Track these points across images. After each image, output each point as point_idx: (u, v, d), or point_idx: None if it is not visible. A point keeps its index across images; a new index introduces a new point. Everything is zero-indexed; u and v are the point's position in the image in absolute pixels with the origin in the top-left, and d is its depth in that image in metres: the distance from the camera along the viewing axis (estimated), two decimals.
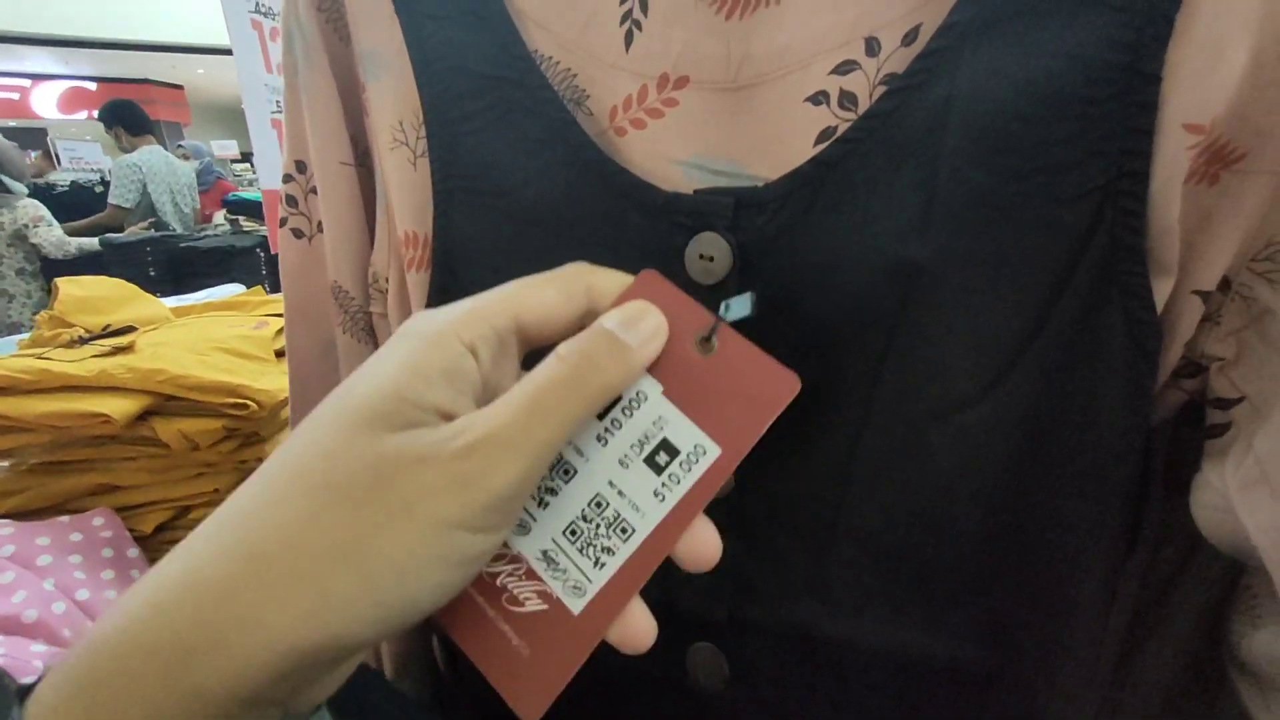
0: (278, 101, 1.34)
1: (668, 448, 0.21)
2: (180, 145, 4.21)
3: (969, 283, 0.24)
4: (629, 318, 0.22)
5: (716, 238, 0.25)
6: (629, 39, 0.27)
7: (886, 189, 0.24)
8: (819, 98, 0.25)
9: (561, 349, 0.20)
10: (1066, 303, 0.23)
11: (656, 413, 0.22)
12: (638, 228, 0.27)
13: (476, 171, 0.30)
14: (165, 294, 1.27)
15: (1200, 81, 0.21)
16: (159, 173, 3.10)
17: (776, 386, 0.21)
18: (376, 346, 0.38)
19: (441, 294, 0.31)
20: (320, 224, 0.38)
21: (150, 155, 3.10)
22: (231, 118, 9.32)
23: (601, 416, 0.22)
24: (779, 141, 0.26)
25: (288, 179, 0.38)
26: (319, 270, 0.39)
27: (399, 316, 0.35)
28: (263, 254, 2.59)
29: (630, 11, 0.27)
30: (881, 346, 0.25)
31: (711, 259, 0.25)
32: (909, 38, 0.24)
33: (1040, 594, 0.26)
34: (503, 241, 0.29)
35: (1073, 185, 0.22)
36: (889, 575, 0.27)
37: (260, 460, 0.69)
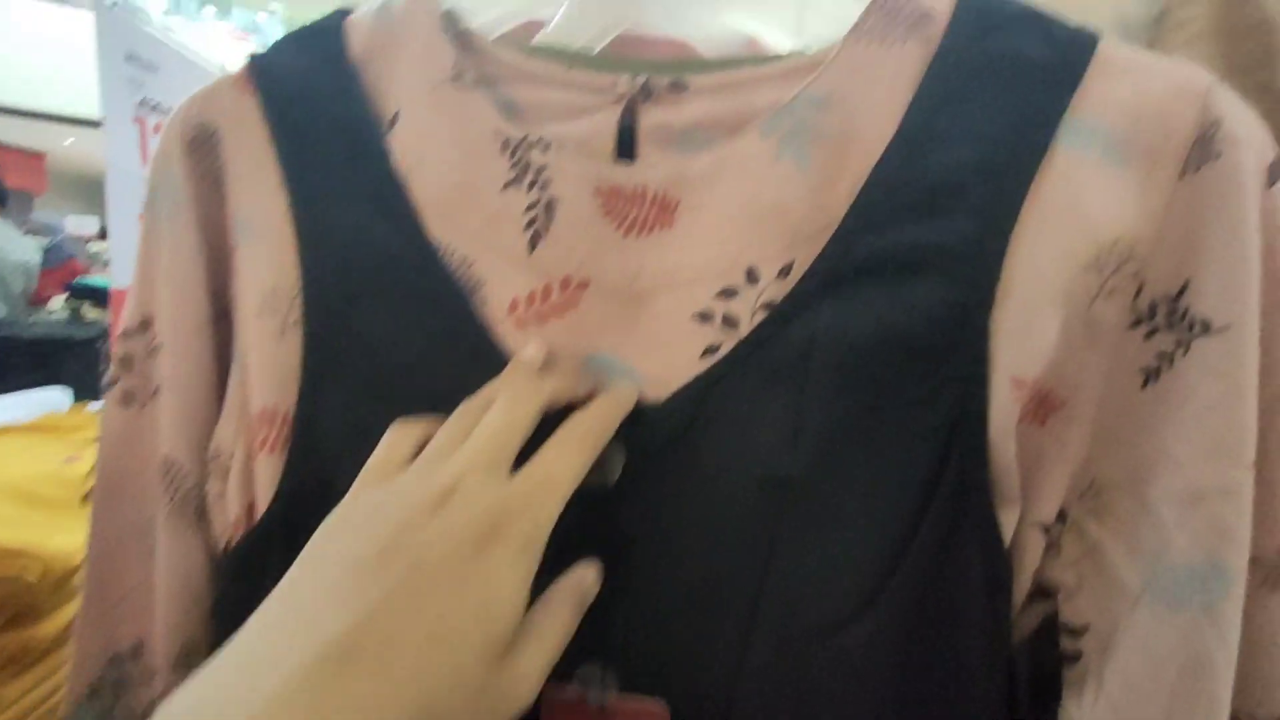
0: None
1: None
2: (28, 219, 3.83)
3: (838, 503, 0.25)
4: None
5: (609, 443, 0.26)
6: (534, 242, 0.28)
7: (763, 409, 0.26)
8: (705, 316, 0.27)
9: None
10: (926, 529, 0.25)
11: None
12: None
13: (359, 353, 0.29)
14: None
15: (1020, 343, 0.25)
16: None
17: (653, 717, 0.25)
18: (208, 533, 0.33)
19: (296, 481, 0.29)
20: (157, 389, 0.34)
21: None
22: (96, 192, 8.72)
23: None
24: (669, 350, 0.27)
25: (127, 335, 0.34)
26: (147, 441, 0.34)
27: (239, 499, 0.31)
28: (101, 348, 2.31)
29: (535, 219, 0.28)
30: (762, 562, 0.26)
31: (602, 465, 0.26)
32: (784, 272, 0.26)
33: None
34: (378, 427, 0.28)
35: (923, 421, 0.25)
36: None
37: (28, 647, 0.54)
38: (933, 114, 0.26)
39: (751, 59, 0.30)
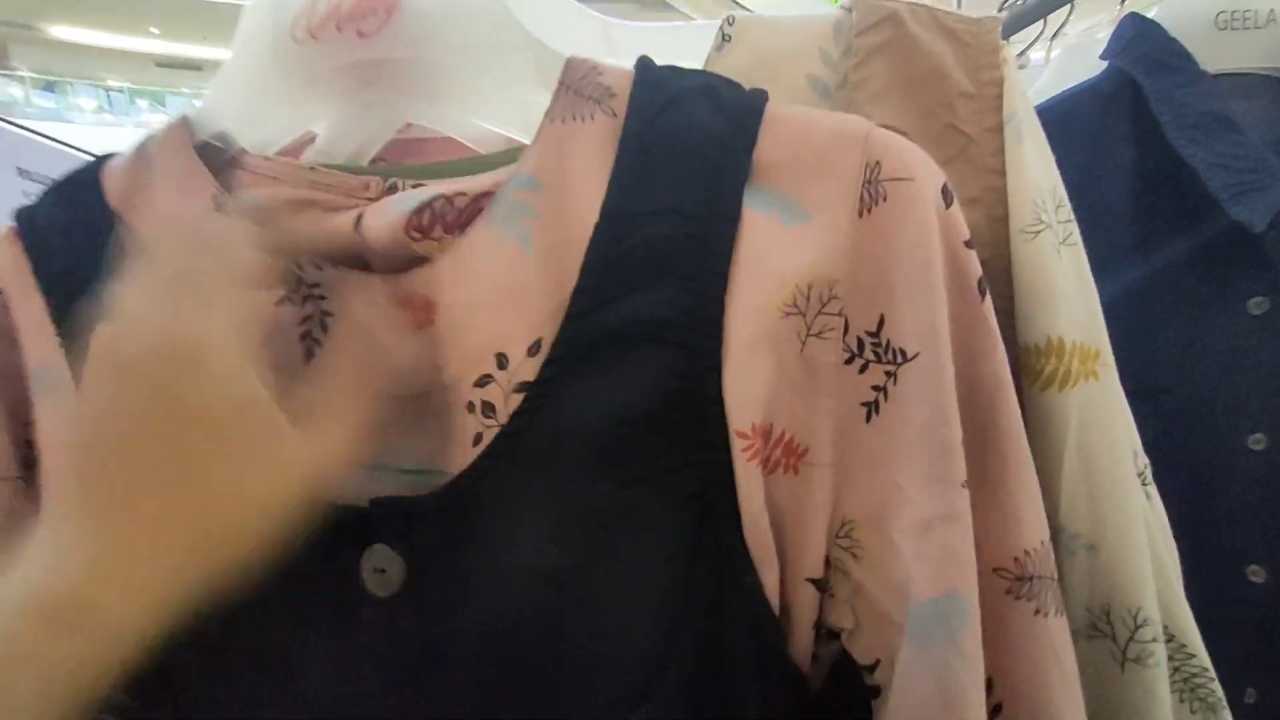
0: None
1: None
2: None
3: (606, 588, 0.26)
4: None
5: (388, 550, 0.26)
6: (306, 356, 0.29)
7: (526, 500, 0.26)
8: (470, 407, 0.28)
9: None
10: (694, 603, 0.25)
11: None
12: (315, 547, 0.26)
13: None
14: None
15: (742, 394, 0.25)
16: None
17: None
18: None
19: None
20: None
21: None
22: None
23: None
24: (451, 443, 0.28)
25: None
26: None
27: None
28: None
29: (310, 331, 0.29)
30: (551, 654, 0.26)
31: (384, 571, 0.26)
32: (532, 350, 0.27)
33: None
34: None
35: (674, 491, 0.25)
36: None
37: None
38: (631, 191, 0.27)
39: (491, 158, 0.32)
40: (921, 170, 0.27)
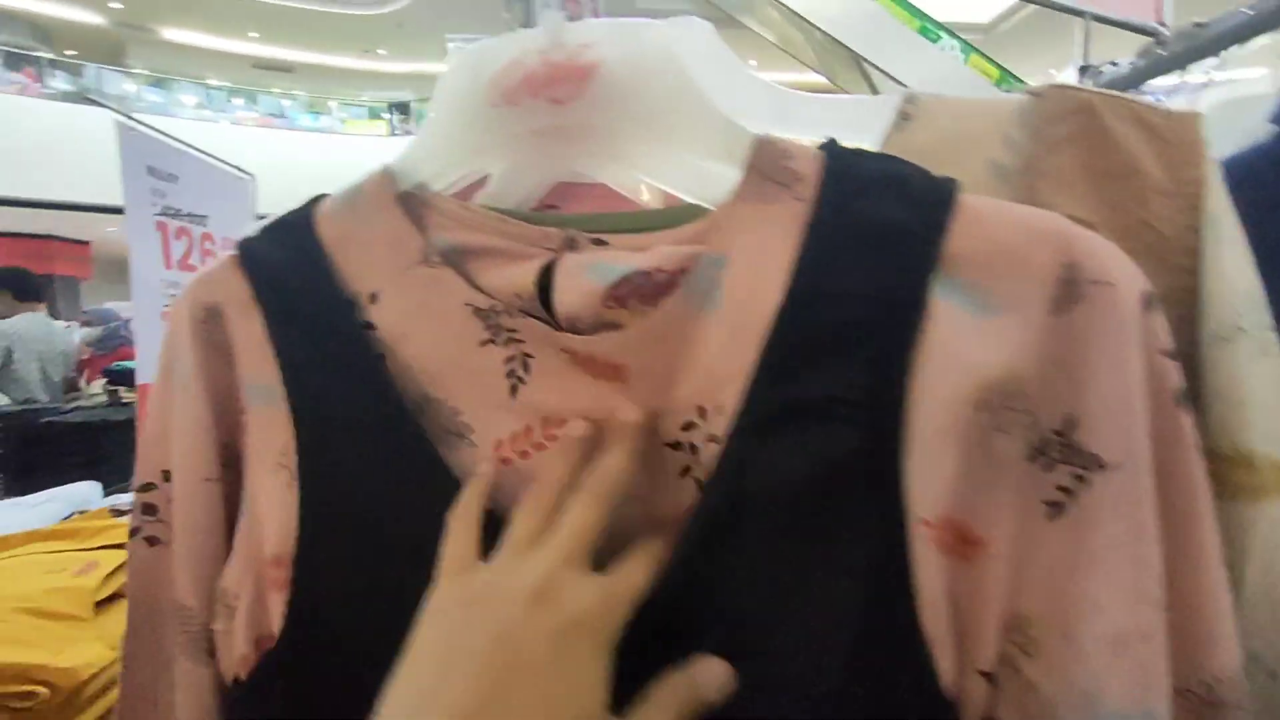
0: (171, 295, 1.31)
1: None
2: (85, 312, 4.00)
3: (784, 644, 0.26)
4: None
5: None
6: (514, 390, 0.32)
7: (729, 542, 0.27)
8: (676, 445, 0.30)
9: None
10: (864, 677, 0.26)
11: None
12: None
13: (348, 504, 0.32)
14: (9, 479, 1.11)
15: (926, 485, 0.26)
16: (28, 339, 2.89)
17: None
18: (217, 668, 0.36)
19: (296, 621, 0.32)
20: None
21: (26, 322, 2.91)
22: None
23: None
24: (650, 472, 0.29)
25: (148, 488, 0.38)
26: (172, 582, 0.37)
27: (245, 637, 0.34)
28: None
29: (514, 370, 0.32)
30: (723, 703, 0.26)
31: None
32: (718, 409, 0.29)
33: None
34: (367, 575, 0.31)
35: (849, 566, 0.26)
36: None
37: None
38: (818, 273, 0.28)
39: (658, 217, 0.33)
40: (1124, 274, 0.27)
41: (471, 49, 0.35)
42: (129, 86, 10.59)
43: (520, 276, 0.32)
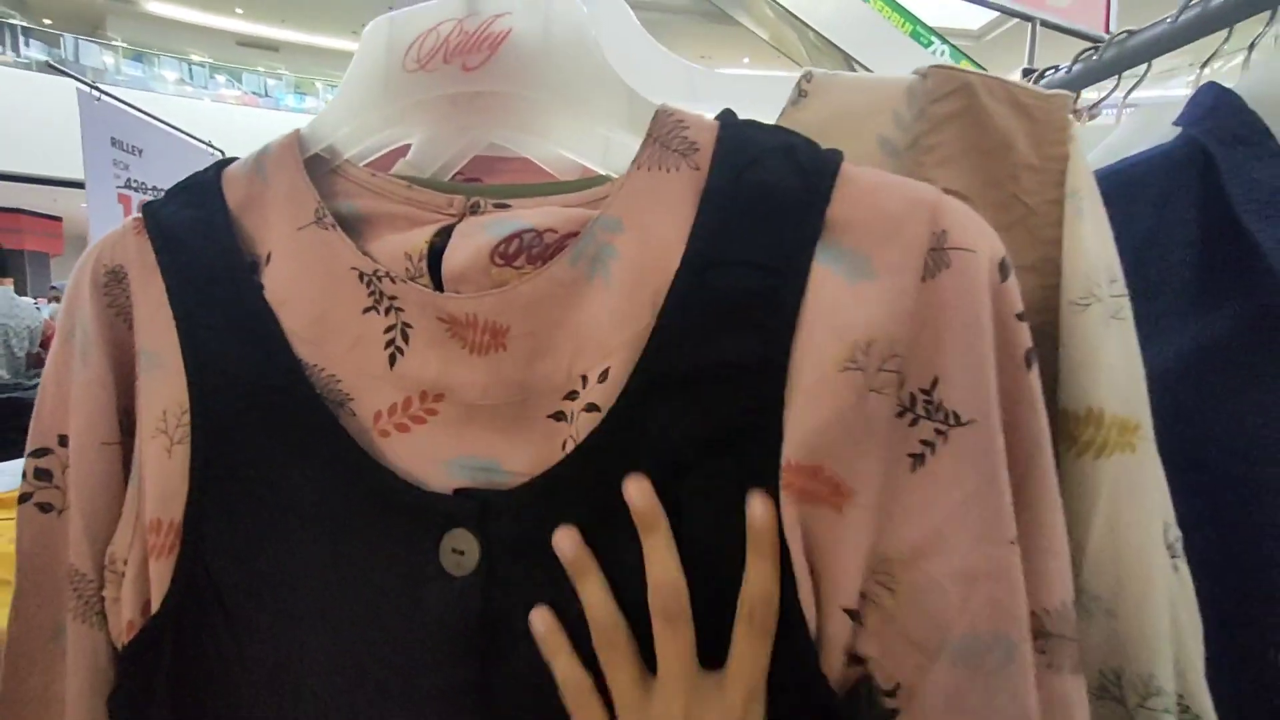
0: None
1: None
2: (54, 286, 3.93)
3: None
4: None
5: (466, 534, 0.29)
6: (392, 360, 0.32)
7: (593, 504, 0.29)
8: (559, 416, 0.30)
9: None
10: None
11: None
12: (395, 522, 0.30)
13: (239, 467, 0.32)
14: None
15: (796, 433, 0.27)
16: None
17: None
18: (108, 634, 0.36)
19: (183, 584, 0.32)
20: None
21: None
22: None
23: None
24: (534, 446, 0.30)
25: (42, 453, 0.37)
26: (62, 547, 0.37)
27: (133, 603, 0.34)
28: None
29: (394, 339, 0.32)
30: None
31: (462, 553, 0.29)
32: (602, 376, 0.30)
33: None
34: (257, 534, 0.32)
35: (728, 517, 0.28)
36: None
37: None
38: (711, 242, 0.29)
39: (565, 185, 0.35)
40: (984, 243, 0.28)
41: (390, 15, 0.35)
42: (107, 59, 10.37)
43: (415, 239, 0.32)
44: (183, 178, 0.38)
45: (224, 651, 0.32)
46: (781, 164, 0.30)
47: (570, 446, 0.29)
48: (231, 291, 0.34)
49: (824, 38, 2.33)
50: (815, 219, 0.29)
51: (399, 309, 0.32)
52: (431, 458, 0.31)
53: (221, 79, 11.62)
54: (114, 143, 1.25)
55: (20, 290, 3.73)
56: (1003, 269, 0.29)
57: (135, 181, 1.28)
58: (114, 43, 10.86)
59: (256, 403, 0.32)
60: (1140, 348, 0.32)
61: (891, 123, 0.35)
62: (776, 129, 0.33)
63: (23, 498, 0.37)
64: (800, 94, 0.36)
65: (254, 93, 11.47)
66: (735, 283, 0.29)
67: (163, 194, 0.38)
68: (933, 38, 2.27)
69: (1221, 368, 0.46)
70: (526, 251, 0.31)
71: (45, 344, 3.31)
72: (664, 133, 0.32)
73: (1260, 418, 0.45)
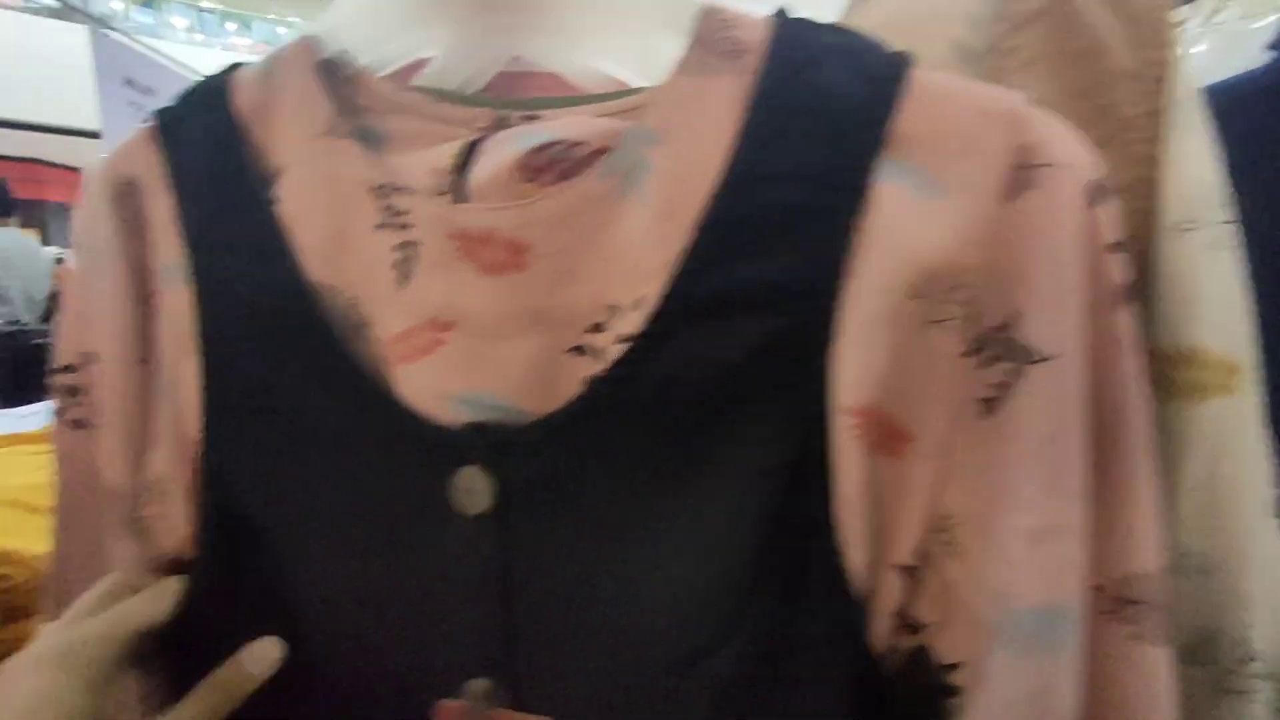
0: None
1: None
2: (70, 231, 3.95)
3: (698, 540, 0.26)
4: (257, 651, 0.29)
5: (478, 472, 0.27)
6: (401, 282, 0.29)
7: (617, 445, 0.27)
8: (579, 350, 0.28)
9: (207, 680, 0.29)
10: (775, 569, 0.26)
11: None
12: (405, 455, 0.29)
13: (252, 391, 0.31)
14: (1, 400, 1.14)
15: (854, 375, 0.25)
16: (14, 260, 2.86)
17: None
18: (145, 551, 0.35)
19: (207, 509, 0.31)
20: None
21: (4, 241, 2.88)
22: None
23: None
24: (548, 384, 0.28)
25: (70, 369, 0.36)
26: (99, 464, 0.36)
27: (175, 524, 0.33)
28: None
29: (401, 260, 0.29)
30: (621, 594, 0.27)
31: (475, 492, 0.27)
32: (636, 304, 0.27)
33: None
34: (275, 460, 0.31)
35: (765, 459, 0.25)
36: None
37: (22, 641, 0.58)
38: (758, 153, 0.26)
39: (599, 96, 0.31)
40: (1077, 160, 0.25)
41: None
42: (116, 4, 10.22)
43: (439, 156, 0.29)
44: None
45: (245, 575, 0.31)
46: (841, 67, 0.27)
47: (592, 382, 0.27)
48: (242, 206, 0.31)
49: None
50: (879, 129, 0.26)
51: (408, 225, 0.29)
52: (439, 391, 0.29)
53: (232, 27, 11.44)
54: (128, 83, 1.22)
55: (44, 240, 3.76)
56: (1098, 191, 0.25)
57: (141, 83, 1.25)
58: None
59: (268, 325, 0.30)
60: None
61: (967, 24, 0.31)
62: (836, 28, 0.29)
63: (57, 414, 0.37)
64: None
65: (265, 41, 11.29)
66: (784, 199, 0.26)
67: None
68: None
69: None
70: (556, 165, 0.28)
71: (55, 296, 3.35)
72: (708, 34, 0.28)
73: None
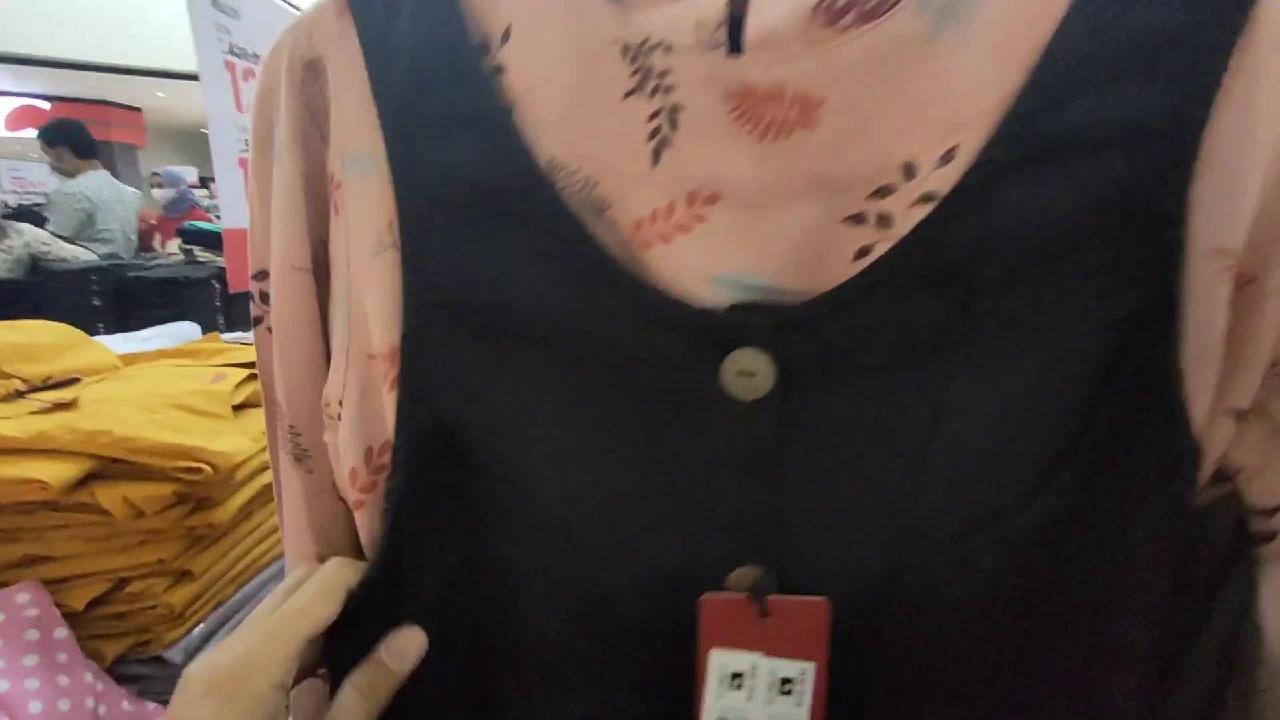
0: (245, 140, 1.31)
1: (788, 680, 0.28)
2: (156, 173, 4.07)
3: (1005, 400, 0.25)
4: (396, 647, 0.29)
5: (757, 353, 0.26)
6: (657, 155, 0.26)
7: (923, 310, 0.25)
8: (857, 219, 0.25)
9: (352, 680, 0.29)
10: (1102, 422, 0.24)
11: (769, 665, 0.28)
12: (664, 343, 0.27)
13: (458, 285, 0.28)
14: (110, 328, 1.19)
15: (1223, 214, 0.23)
16: (109, 201, 2.99)
17: (816, 613, 0.27)
18: (310, 473, 0.36)
19: (411, 418, 0.29)
20: None
21: (97, 182, 3.00)
22: (189, 142, 9.12)
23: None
24: (815, 260, 0.26)
25: (262, 275, 0.35)
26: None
27: (354, 448, 0.31)
28: (218, 286, 2.50)
29: (659, 128, 0.26)
30: (920, 459, 0.26)
31: (753, 375, 0.26)
32: (946, 158, 0.24)
33: (1080, 691, 0.27)
34: (486, 361, 0.28)
35: (1105, 313, 0.24)
36: (931, 678, 0.28)
37: (211, 526, 0.65)
38: None
39: None
40: None
41: None
42: None
43: (705, 5, 0.25)
44: None
45: (460, 493, 0.29)
46: None
47: (878, 251, 0.25)
48: (455, 78, 0.28)
49: None
50: None
51: (669, 88, 0.26)
52: (697, 272, 0.26)
53: None
54: (214, 4, 1.23)
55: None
56: None
57: (237, 48, 1.26)
58: None
59: (488, 212, 0.27)
60: None
61: None
62: None
63: (255, 321, 0.37)
64: None
65: None
66: (1143, 22, 0.23)
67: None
68: None
69: None
70: (859, 5, 0.24)
71: (151, 231, 3.48)
72: None
73: None
